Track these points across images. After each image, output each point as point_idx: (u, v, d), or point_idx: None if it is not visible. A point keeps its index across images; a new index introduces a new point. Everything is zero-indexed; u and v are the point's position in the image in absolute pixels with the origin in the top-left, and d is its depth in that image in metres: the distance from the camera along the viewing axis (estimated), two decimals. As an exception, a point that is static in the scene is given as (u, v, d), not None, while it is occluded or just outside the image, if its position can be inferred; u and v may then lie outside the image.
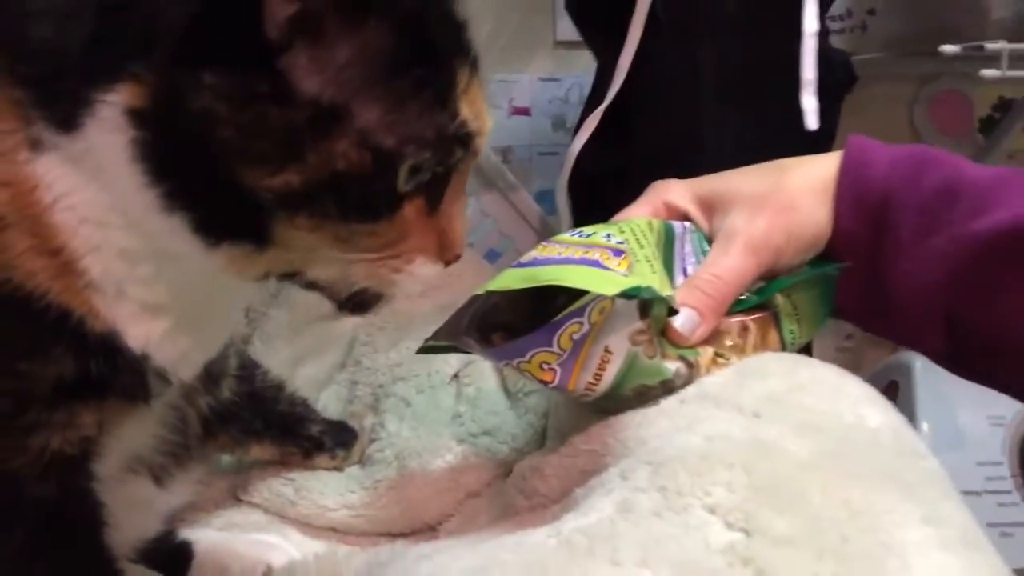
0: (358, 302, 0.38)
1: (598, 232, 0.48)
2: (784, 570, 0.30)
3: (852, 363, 1.21)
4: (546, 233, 0.98)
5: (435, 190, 0.36)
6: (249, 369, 0.52)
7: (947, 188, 0.47)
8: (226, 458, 0.57)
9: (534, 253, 0.46)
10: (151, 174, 0.32)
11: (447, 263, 0.39)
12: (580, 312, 0.43)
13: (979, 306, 0.47)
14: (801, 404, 0.41)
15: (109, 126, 0.31)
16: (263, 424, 0.52)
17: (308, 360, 0.64)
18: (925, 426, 0.93)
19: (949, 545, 0.33)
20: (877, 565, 0.31)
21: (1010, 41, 0.78)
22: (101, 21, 0.31)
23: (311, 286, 0.38)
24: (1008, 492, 0.89)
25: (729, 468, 0.35)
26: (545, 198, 1.07)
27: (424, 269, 0.37)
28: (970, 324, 0.47)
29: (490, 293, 0.44)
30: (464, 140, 0.35)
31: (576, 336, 0.43)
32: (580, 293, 0.43)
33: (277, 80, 0.31)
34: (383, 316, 0.67)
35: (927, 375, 0.92)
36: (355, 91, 0.32)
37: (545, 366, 0.44)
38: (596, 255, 0.45)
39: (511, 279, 0.43)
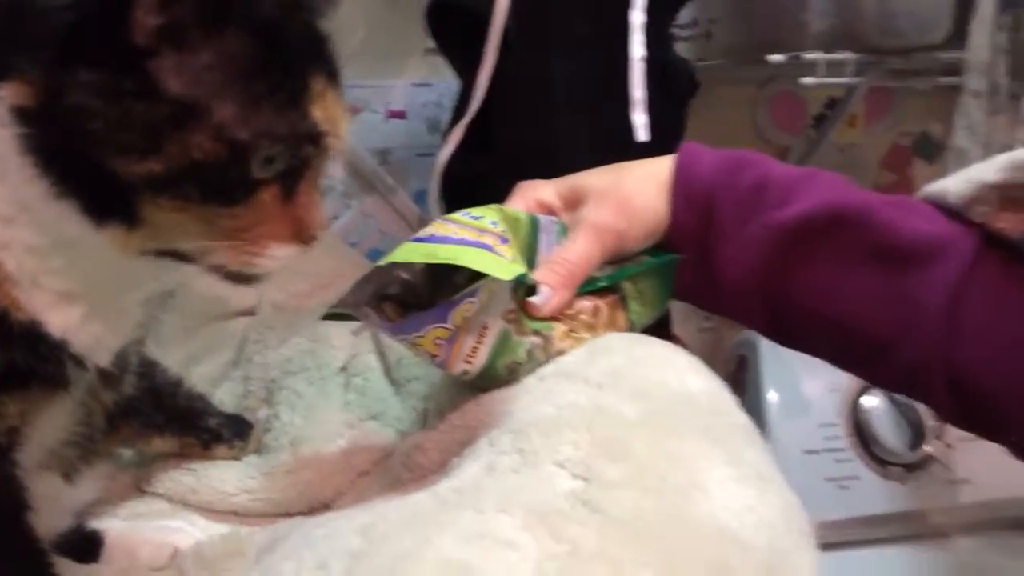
0: (236, 275, 0.42)
1: (486, 217, 0.53)
2: (613, 506, 0.37)
3: (713, 341, 1.31)
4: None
5: (290, 181, 0.41)
6: (149, 366, 0.55)
7: (759, 185, 0.56)
8: (128, 453, 0.60)
9: (431, 229, 0.50)
10: (39, 165, 0.36)
11: (305, 244, 0.42)
12: (474, 293, 0.48)
13: (787, 282, 0.55)
14: (636, 375, 0.48)
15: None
16: (164, 418, 0.56)
17: (202, 359, 0.69)
18: (772, 394, 1.02)
19: (745, 480, 0.41)
20: (686, 497, 0.39)
21: (826, 52, 0.89)
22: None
23: (186, 260, 0.41)
24: (844, 450, 0.98)
25: (574, 430, 0.42)
26: (423, 197, 1.12)
27: (279, 251, 0.41)
28: (782, 298, 0.56)
29: (392, 264, 0.49)
30: (315, 139, 0.40)
31: (468, 314, 0.49)
32: (475, 273, 0.48)
33: (144, 79, 0.35)
34: (272, 316, 0.71)
35: (771, 350, 1.01)
36: (214, 91, 0.36)
37: (438, 341, 0.49)
38: (488, 240, 0.51)
39: (411, 252, 0.47)
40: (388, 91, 1.14)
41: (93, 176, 0.36)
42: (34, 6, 0.35)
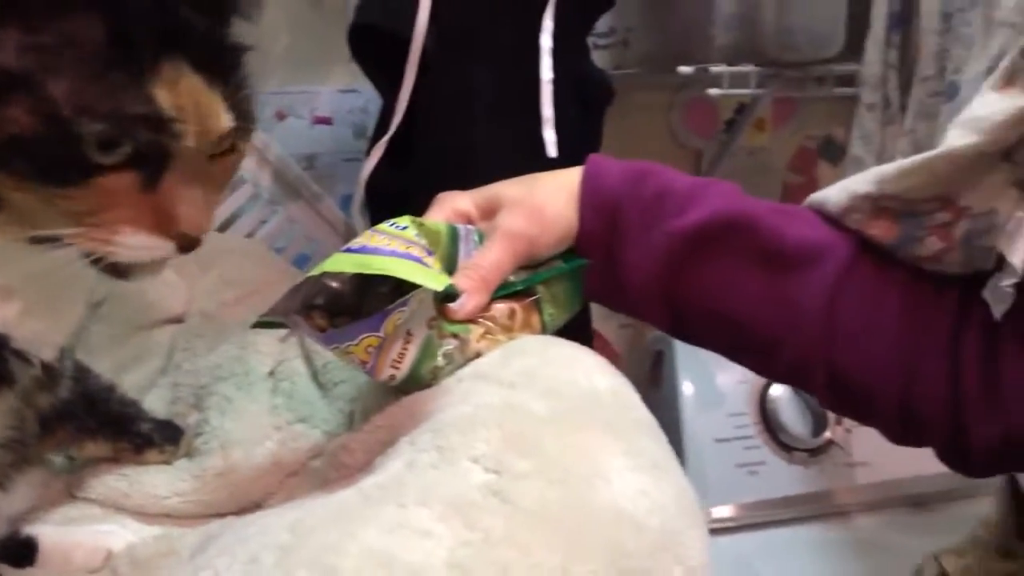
0: (111, 267, 0.41)
1: (410, 228, 0.56)
2: (522, 496, 0.41)
3: (632, 337, 1.36)
4: (350, 237, 1.05)
5: (149, 169, 0.39)
6: (83, 371, 0.56)
7: (660, 195, 0.60)
8: (59, 460, 0.61)
9: (362, 240, 0.53)
10: None
11: (177, 243, 0.41)
12: (406, 302, 0.51)
13: (685, 284, 0.60)
14: (547, 375, 0.52)
15: None
16: (97, 422, 0.58)
17: (131, 368, 0.70)
18: (687, 386, 1.08)
19: (642, 468, 0.45)
20: (589, 485, 0.43)
21: (730, 64, 0.95)
22: None
23: (59, 247, 0.40)
24: (752, 438, 1.05)
25: (487, 427, 0.46)
26: (349, 203, 1.14)
27: (134, 239, 0.40)
28: (681, 299, 0.60)
29: (324, 274, 0.51)
30: (159, 125, 0.38)
31: (399, 323, 0.51)
32: (399, 283, 0.51)
33: None
34: (200, 324, 0.73)
35: (686, 345, 1.06)
36: (45, 67, 0.35)
37: (370, 349, 0.51)
38: (416, 252, 0.54)
39: (343, 262, 0.50)
40: (314, 97, 1.16)
41: None
42: None
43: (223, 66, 0.42)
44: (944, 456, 0.57)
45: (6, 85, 0.35)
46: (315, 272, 0.50)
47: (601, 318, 1.24)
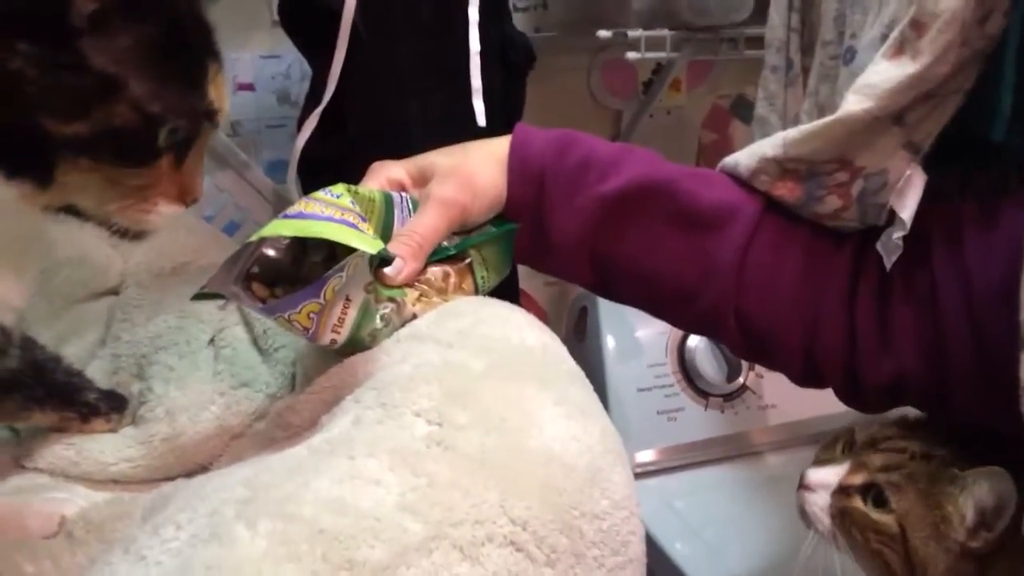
0: (124, 232, 0.48)
1: (344, 196, 0.58)
2: (462, 444, 0.45)
3: (558, 295, 1.41)
4: (279, 203, 1.06)
5: (183, 149, 0.47)
6: (29, 342, 0.58)
7: (584, 162, 0.64)
8: (3, 432, 0.63)
9: (298, 207, 0.55)
10: None
11: (186, 205, 0.49)
12: (342, 267, 0.53)
13: (608, 246, 0.64)
14: (482, 333, 0.56)
15: None
16: (44, 392, 0.59)
17: (70, 340, 0.71)
18: (610, 339, 1.12)
19: (571, 415, 0.49)
20: (523, 432, 0.46)
21: (645, 28, 0.98)
22: None
23: (85, 217, 0.47)
24: (672, 386, 1.10)
25: (428, 383, 0.49)
26: (275, 168, 1.15)
27: (166, 209, 0.48)
28: (605, 260, 0.64)
29: (260, 240, 0.53)
30: (210, 115, 0.47)
31: (337, 288, 0.53)
32: (336, 247, 0.53)
33: (75, 55, 0.40)
34: (137, 295, 0.74)
35: (608, 301, 1.10)
36: (132, 70, 0.42)
37: (311, 315, 0.53)
38: (350, 218, 0.56)
39: (282, 227, 0.52)
40: (235, 63, 1.15)
41: (16, 135, 0.41)
42: None
43: (222, 56, 0.48)
44: (842, 395, 0.63)
45: (111, 86, 0.41)
46: (254, 238, 0.52)
47: (527, 277, 1.27)
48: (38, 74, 0.39)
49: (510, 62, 0.93)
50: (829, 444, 0.65)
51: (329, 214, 0.55)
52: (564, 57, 1.29)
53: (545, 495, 0.44)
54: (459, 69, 0.76)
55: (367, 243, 0.53)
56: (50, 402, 0.60)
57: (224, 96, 0.48)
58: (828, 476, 0.61)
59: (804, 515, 0.63)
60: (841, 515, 0.60)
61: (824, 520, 0.61)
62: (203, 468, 0.63)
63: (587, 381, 0.56)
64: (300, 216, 0.54)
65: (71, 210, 0.46)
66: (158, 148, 0.45)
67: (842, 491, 0.60)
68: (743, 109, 1.47)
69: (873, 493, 0.60)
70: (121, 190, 0.45)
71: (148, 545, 0.42)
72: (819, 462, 0.64)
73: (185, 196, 0.49)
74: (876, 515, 0.59)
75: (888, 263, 0.56)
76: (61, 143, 0.41)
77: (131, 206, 0.46)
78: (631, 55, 0.98)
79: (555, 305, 1.39)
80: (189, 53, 0.45)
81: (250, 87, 1.17)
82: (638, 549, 0.49)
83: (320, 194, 0.57)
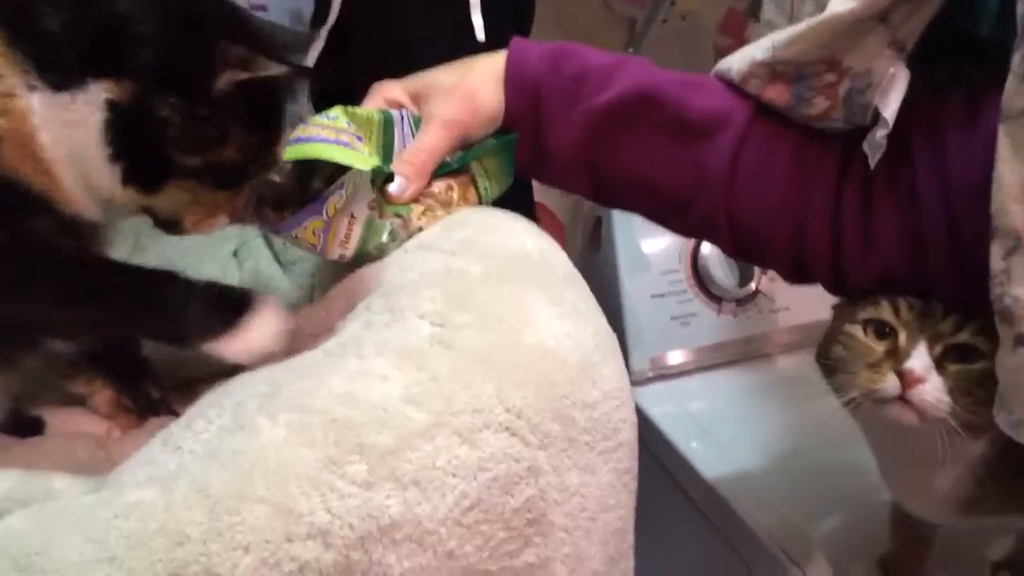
0: (169, 225, 0.56)
1: (340, 118, 0.61)
2: (462, 342, 0.49)
3: (574, 206, 1.43)
4: (295, 124, 1.08)
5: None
6: None
7: (578, 75, 0.65)
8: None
9: (297, 132, 0.58)
10: (109, 141, 0.49)
11: (235, 220, 0.58)
12: (341, 185, 0.56)
13: (604, 156, 0.65)
14: (483, 241, 0.59)
15: (93, 101, 0.48)
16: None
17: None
18: (624, 249, 1.14)
19: (565, 315, 0.53)
20: (519, 330, 0.50)
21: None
22: (99, 34, 0.48)
23: (154, 218, 0.56)
24: (685, 292, 1.12)
25: (431, 289, 0.53)
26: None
27: (223, 222, 0.56)
28: (601, 170, 0.66)
29: None
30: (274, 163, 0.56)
31: (339, 206, 0.57)
32: (339, 170, 0.56)
33: (209, 110, 0.50)
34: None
35: (622, 211, 1.13)
36: (242, 125, 0.52)
37: (315, 232, 0.57)
38: (345, 138, 0.59)
39: (287, 152, 0.56)
40: (247, -16, 1.16)
41: (146, 160, 0.51)
42: (143, 34, 0.49)
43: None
44: (830, 289, 0.66)
45: (226, 135, 0.52)
46: None
47: (543, 190, 1.29)
48: (180, 121, 0.49)
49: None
50: (853, 345, 0.61)
51: (325, 136, 0.58)
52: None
53: (539, 386, 0.48)
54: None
55: (361, 160, 0.56)
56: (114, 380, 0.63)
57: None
58: (924, 360, 0.57)
59: (913, 412, 0.58)
60: (957, 384, 0.57)
61: (946, 399, 0.56)
62: (231, 372, 0.68)
63: (584, 284, 0.59)
64: (298, 140, 0.57)
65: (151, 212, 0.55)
66: (245, 180, 0.55)
67: (938, 366, 0.57)
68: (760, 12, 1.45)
69: (956, 354, 0.58)
70: (199, 206, 0.54)
71: (182, 437, 0.47)
72: (879, 362, 0.59)
73: (236, 213, 0.57)
74: (977, 366, 0.57)
75: (872, 162, 0.58)
76: (179, 169, 0.51)
77: (201, 219, 0.55)
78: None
79: (571, 216, 1.42)
80: (272, 128, 0.55)
81: (262, 7, 1.18)
82: (629, 435, 0.53)
83: (317, 118, 0.60)
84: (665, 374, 1.11)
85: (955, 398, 0.57)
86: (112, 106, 0.48)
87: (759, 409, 1.08)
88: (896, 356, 0.59)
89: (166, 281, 0.52)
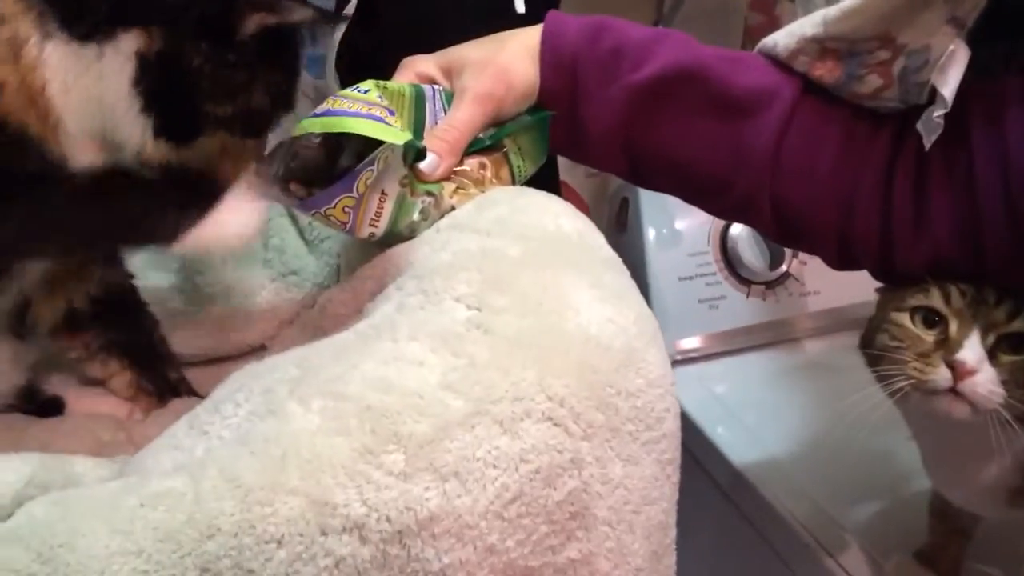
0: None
1: (372, 91, 0.59)
2: (501, 327, 0.47)
3: (600, 186, 1.41)
4: (319, 98, 1.06)
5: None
6: None
7: (617, 49, 0.63)
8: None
9: (326, 105, 0.56)
10: (139, 93, 0.47)
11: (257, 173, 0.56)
12: (373, 161, 0.54)
13: (642, 134, 0.63)
14: (519, 222, 0.57)
15: (122, 54, 0.46)
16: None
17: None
18: (651, 229, 1.13)
19: (606, 299, 0.50)
20: (559, 316, 0.48)
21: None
22: None
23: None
24: (713, 274, 1.10)
25: (467, 270, 0.51)
26: (313, 63, 1.14)
27: (248, 176, 0.54)
28: (638, 148, 0.64)
29: (294, 141, 0.55)
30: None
31: (370, 182, 0.55)
32: (369, 144, 0.55)
33: (238, 55, 0.48)
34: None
35: (649, 191, 1.11)
36: (267, 68, 0.50)
37: (347, 209, 0.55)
38: (378, 112, 0.57)
39: (311, 125, 0.54)
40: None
41: (179, 111, 0.49)
42: None
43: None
44: (878, 276, 0.63)
45: (254, 78, 0.50)
46: (285, 139, 0.54)
47: (568, 169, 1.27)
48: (211, 69, 0.48)
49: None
50: (901, 333, 0.59)
51: (356, 110, 0.56)
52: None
53: (581, 374, 0.46)
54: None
55: (394, 135, 0.54)
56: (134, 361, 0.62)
57: None
58: (977, 351, 0.55)
59: (964, 405, 0.56)
60: (1012, 375, 0.55)
61: (999, 391, 0.55)
62: (252, 351, 0.67)
63: (623, 267, 0.57)
64: (328, 113, 0.55)
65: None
66: (271, 126, 0.54)
67: (991, 356, 0.55)
68: (792, -12, 1.42)
69: (1010, 343, 0.56)
70: (228, 157, 0.53)
71: (209, 421, 0.45)
72: (928, 352, 0.57)
73: (262, 161, 0.56)
74: None
75: (928, 143, 0.56)
76: (211, 118, 0.50)
77: (232, 170, 0.53)
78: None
79: (596, 196, 1.39)
80: (294, 61, 0.53)
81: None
82: (672, 425, 0.51)
83: (348, 91, 0.58)
84: (692, 357, 1.09)
85: (1009, 390, 0.55)
86: (142, 57, 0.47)
87: (787, 394, 1.06)
88: (947, 346, 0.57)
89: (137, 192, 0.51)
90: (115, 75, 0.46)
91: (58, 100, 0.46)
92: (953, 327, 0.57)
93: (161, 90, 0.47)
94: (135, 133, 0.48)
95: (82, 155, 0.49)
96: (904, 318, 0.60)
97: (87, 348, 0.61)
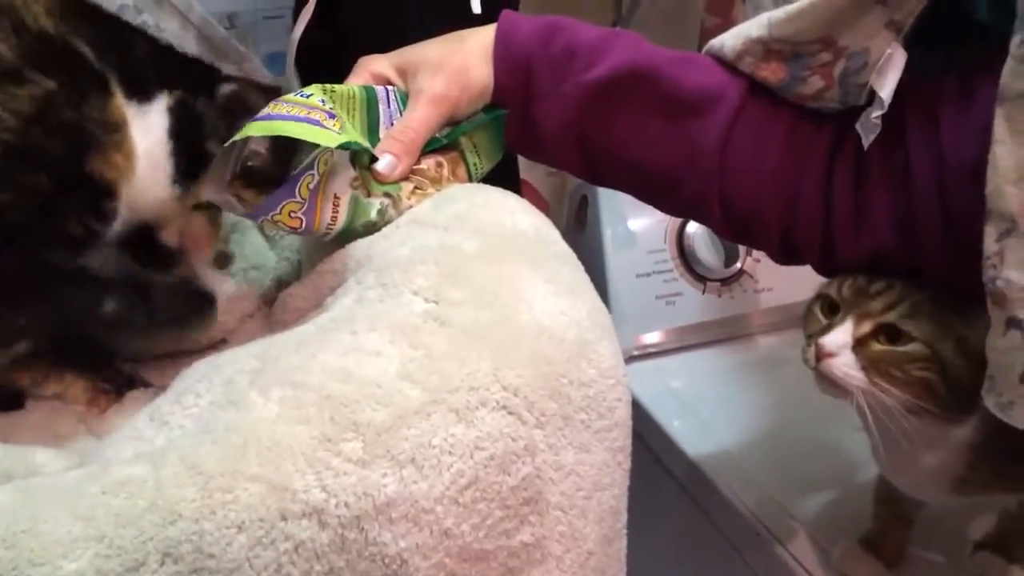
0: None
1: (315, 95, 0.59)
2: (457, 319, 0.48)
3: (560, 184, 1.42)
4: (279, 94, 1.06)
5: None
6: None
7: (569, 49, 0.64)
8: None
9: (267, 110, 0.56)
10: (171, 137, 0.55)
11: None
12: (311, 165, 0.55)
13: (594, 133, 0.65)
14: (476, 217, 0.58)
15: (160, 110, 0.55)
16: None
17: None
18: (609, 227, 1.14)
19: (560, 293, 0.52)
20: (514, 308, 0.49)
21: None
22: (158, 59, 0.58)
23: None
24: (670, 271, 1.13)
25: (425, 264, 0.52)
26: (274, 61, 1.14)
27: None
28: (590, 146, 0.66)
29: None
30: None
31: (311, 186, 0.55)
32: (313, 149, 0.55)
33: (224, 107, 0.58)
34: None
35: (608, 190, 1.12)
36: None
37: (293, 215, 0.55)
38: (316, 116, 0.57)
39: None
40: (229, -48, 1.13)
41: (187, 148, 0.56)
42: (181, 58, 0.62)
43: None
44: (820, 270, 0.66)
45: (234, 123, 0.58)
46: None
47: (529, 167, 1.28)
48: (213, 115, 0.59)
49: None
50: (809, 318, 0.65)
51: (295, 113, 0.56)
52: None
53: (535, 364, 0.48)
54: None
55: (326, 138, 0.54)
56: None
57: None
58: (840, 336, 0.60)
59: (829, 383, 0.61)
60: (873, 363, 0.59)
61: (857, 375, 0.59)
62: (213, 346, 0.67)
63: (578, 262, 0.59)
64: (267, 118, 0.55)
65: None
66: None
67: (860, 344, 0.60)
68: (747, -8, 1.45)
69: (887, 333, 0.59)
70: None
71: (170, 412, 0.46)
72: (815, 334, 0.62)
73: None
74: (904, 348, 0.59)
75: (866, 142, 0.58)
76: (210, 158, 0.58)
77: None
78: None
79: (556, 194, 1.41)
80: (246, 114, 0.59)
81: (251, -25, 1.16)
82: (623, 414, 0.53)
83: (290, 96, 0.58)
84: (649, 352, 1.11)
85: (870, 376, 0.59)
86: (170, 111, 0.56)
87: (741, 388, 1.09)
88: (822, 330, 0.62)
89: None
90: (158, 127, 0.56)
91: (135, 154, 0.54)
92: (840, 314, 0.62)
93: (183, 131, 0.57)
94: (165, 176, 0.56)
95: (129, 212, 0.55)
96: (815, 304, 0.64)
97: (37, 378, 0.61)
